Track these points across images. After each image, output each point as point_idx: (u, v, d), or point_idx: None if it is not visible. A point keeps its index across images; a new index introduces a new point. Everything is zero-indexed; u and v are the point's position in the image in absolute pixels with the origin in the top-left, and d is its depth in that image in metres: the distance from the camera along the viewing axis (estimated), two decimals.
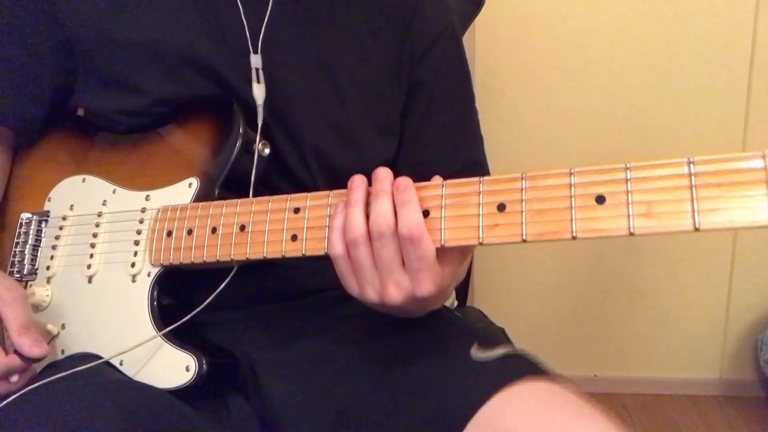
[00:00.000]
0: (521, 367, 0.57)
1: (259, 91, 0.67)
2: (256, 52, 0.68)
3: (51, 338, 0.66)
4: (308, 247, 0.55)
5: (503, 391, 0.53)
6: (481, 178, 0.50)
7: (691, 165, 0.43)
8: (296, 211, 0.57)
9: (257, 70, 0.67)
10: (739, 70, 1.38)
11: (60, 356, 0.65)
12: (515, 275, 1.57)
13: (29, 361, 0.57)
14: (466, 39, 1.43)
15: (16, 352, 0.57)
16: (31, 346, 0.57)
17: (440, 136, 0.78)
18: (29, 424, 0.49)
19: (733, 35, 1.36)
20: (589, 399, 0.52)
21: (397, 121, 0.76)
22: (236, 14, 0.68)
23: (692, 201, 0.42)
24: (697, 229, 0.42)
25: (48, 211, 0.72)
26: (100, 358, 0.62)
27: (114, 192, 0.69)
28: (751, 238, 1.47)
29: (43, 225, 0.72)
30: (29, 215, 0.72)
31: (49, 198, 0.73)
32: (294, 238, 0.56)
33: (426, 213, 0.51)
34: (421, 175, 0.55)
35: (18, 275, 0.70)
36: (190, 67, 0.68)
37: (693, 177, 0.43)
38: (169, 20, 0.68)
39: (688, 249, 1.50)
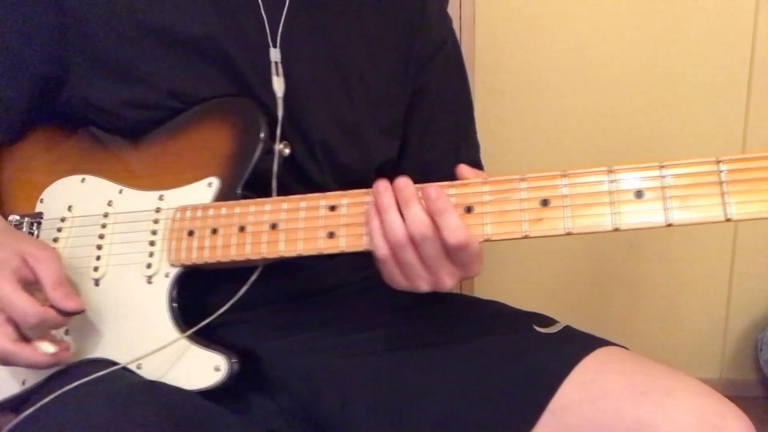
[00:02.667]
0: (591, 337, 0.61)
1: (278, 85, 0.67)
2: (275, 46, 0.67)
3: None
4: (348, 243, 0.57)
5: (590, 355, 0.57)
6: (524, 176, 0.53)
7: (720, 163, 0.48)
8: (332, 208, 0.58)
9: (276, 63, 0.67)
10: (739, 70, 1.38)
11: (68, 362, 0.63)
12: (515, 275, 1.57)
13: (64, 314, 0.58)
14: (466, 39, 1.43)
15: (51, 307, 0.57)
16: (65, 299, 0.57)
17: (443, 139, 0.82)
18: (66, 428, 0.48)
19: (733, 35, 1.36)
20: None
21: (401, 122, 0.78)
22: (255, 8, 0.67)
23: (722, 195, 0.48)
24: (728, 220, 0.47)
25: (41, 213, 0.70)
26: (111, 362, 0.61)
27: (121, 192, 0.67)
28: (751, 238, 1.47)
29: (35, 227, 0.69)
30: (17, 217, 0.69)
31: (41, 199, 0.70)
32: (331, 235, 0.57)
33: (469, 209, 0.53)
34: (425, 174, 0.57)
35: None
36: (206, 59, 0.67)
37: (722, 174, 0.48)
38: (183, 9, 0.66)
39: (688, 249, 1.50)
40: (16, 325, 0.56)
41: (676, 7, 1.37)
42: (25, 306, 0.55)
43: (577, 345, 0.59)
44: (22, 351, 0.56)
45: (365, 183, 0.58)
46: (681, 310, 1.54)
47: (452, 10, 1.40)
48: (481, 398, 0.58)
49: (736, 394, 1.52)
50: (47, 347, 0.58)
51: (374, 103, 0.75)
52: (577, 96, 1.44)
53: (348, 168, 0.73)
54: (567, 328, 0.63)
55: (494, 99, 1.47)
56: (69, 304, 0.58)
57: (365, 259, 0.80)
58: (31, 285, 0.58)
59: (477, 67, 1.45)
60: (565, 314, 1.63)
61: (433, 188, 0.52)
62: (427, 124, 0.80)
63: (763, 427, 1.37)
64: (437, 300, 0.74)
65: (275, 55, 0.67)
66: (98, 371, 0.58)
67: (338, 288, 0.76)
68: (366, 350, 0.66)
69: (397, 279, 0.56)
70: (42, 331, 0.58)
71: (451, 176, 0.57)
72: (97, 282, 0.65)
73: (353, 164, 0.74)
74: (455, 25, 1.41)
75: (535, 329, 0.63)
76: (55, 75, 0.69)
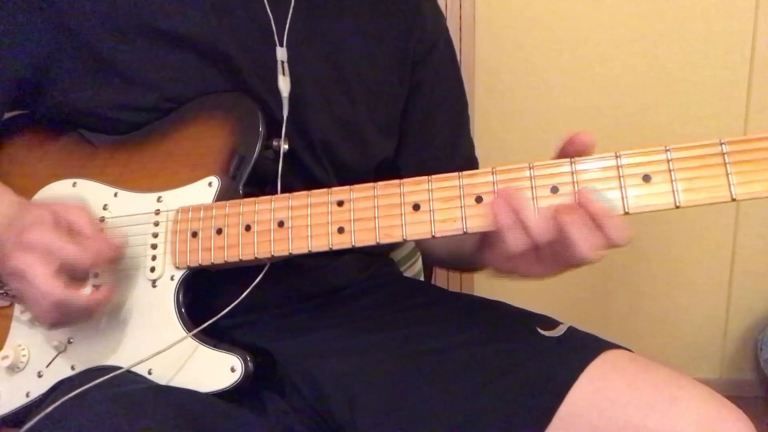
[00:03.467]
0: (595, 340, 0.61)
1: (284, 84, 0.66)
2: (282, 45, 0.67)
3: (56, 354, 0.63)
4: (358, 238, 0.56)
5: (595, 361, 0.57)
6: (531, 164, 0.53)
7: (723, 145, 0.49)
8: (340, 204, 0.57)
9: (282, 62, 0.67)
10: (739, 70, 1.38)
11: (71, 372, 0.62)
12: None
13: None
14: (466, 39, 1.43)
15: None
16: (108, 243, 0.57)
17: (440, 135, 0.82)
18: (83, 430, 0.47)
19: (733, 35, 1.36)
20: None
21: (398, 120, 0.78)
22: (259, 8, 0.67)
23: (727, 175, 0.48)
24: (733, 199, 0.48)
25: None
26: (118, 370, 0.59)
27: (116, 195, 0.66)
28: (751, 238, 1.47)
29: None
30: None
31: None
32: (341, 230, 0.57)
33: (479, 199, 0.53)
34: (422, 172, 0.56)
35: (2, 291, 0.65)
36: (206, 60, 0.66)
37: (726, 156, 0.49)
38: (183, 11, 0.65)
39: (688, 249, 1.50)
40: (65, 274, 0.55)
41: (676, 7, 1.37)
42: (77, 250, 0.55)
43: (582, 350, 0.59)
44: (75, 295, 0.55)
45: (366, 181, 0.57)
46: (681, 310, 1.54)
47: (452, 10, 1.40)
48: (489, 407, 0.57)
49: (736, 394, 1.52)
50: (86, 289, 0.57)
51: (373, 102, 0.75)
52: (577, 96, 1.44)
53: (349, 167, 0.73)
54: (570, 330, 0.63)
55: (494, 99, 1.47)
56: (114, 244, 0.58)
57: (371, 257, 0.81)
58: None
59: (477, 67, 1.44)
60: (566, 314, 1.63)
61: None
62: (423, 121, 0.80)
63: (763, 427, 1.37)
64: (443, 300, 0.74)
65: (282, 54, 0.67)
66: (117, 372, 0.57)
67: (347, 287, 0.76)
68: (374, 355, 0.65)
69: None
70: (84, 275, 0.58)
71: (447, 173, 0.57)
72: (98, 288, 0.63)
73: (354, 163, 0.74)
74: (455, 25, 1.41)
75: (539, 333, 0.62)
76: (32, 80, 0.67)
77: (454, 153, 0.82)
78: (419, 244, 0.92)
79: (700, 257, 1.50)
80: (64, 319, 0.56)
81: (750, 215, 1.46)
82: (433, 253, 0.87)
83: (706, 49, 1.38)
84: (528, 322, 0.65)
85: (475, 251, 0.59)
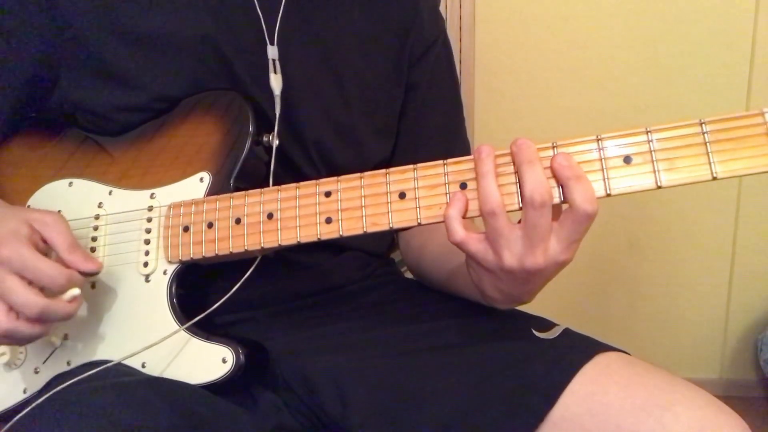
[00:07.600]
0: (590, 342, 0.61)
1: (276, 82, 0.67)
2: (273, 44, 0.68)
3: (52, 350, 0.64)
4: (345, 227, 0.57)
5: (589, 363, 0.56)
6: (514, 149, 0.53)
7: (704, 125, 0.50)
8: (327, 194, 0.58)
9: (274, 61, 0.67)
10: (739, 70, 1.38)
11: (67, 368, 0.63)
12: None
13: (86, 276, 0.58)
14: (466, 39, 1.43)
15: None
16: (84, 262, 0.57)
17: (435, 138, 0.82)
18: (78, 419, 0.47)
19: (733, 35, 1.36)
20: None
21: (395, 122, 0.78)
22: (250, 8, 0.67)
23: (708, 154, 0.49)
24: (714, 178, 0.49)
25: None
26: (116, 363, 0.60)
27: (110, 193, 0.67)
28: (751, 237, 1.47)
29: None
30: None
31: (29, 206, 0.69)
32: (328, 221, 0.58)
33: (464, 186, 0.54)
34: None
35: None
36: (201, 61, 0.67)
37: (706, 135, 0.49)
38: (178, 12, 0.66)
39: (688, 249, 1.50)
40: (39, 288, 0.55)
41: (676, 7, 1.37)
42: (52, 270, 0.55)
43: (576, 352, 0.58)
44: (56, 303, 0.55)
45: None
46: (681, 310, 1.54)
47: (452, 10, 1.40)
48: (480, 407, 0.57)
49: (736, 394, 1.52)
50: (72, 291, 0.57)
51: (369, 104, 0.75)
52: (577, 96, 1.44)
53: (343, 169, 0.73)
54: (566, 332, 0.62)
55: (494, 99, 1.47)
56: (89, 266, 0.58)
57: (369, 256, 0.81)
58: (44, 252, 0.57)
59: (477, 67, 1.44)
60: (565, 314, 1.63)
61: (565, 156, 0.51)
62: (418, 122, 0.80)
63: (763, 427, 1.37)
64: (440, 300, 0.74)
65: (273, 52, 0.68)
66: (110, 363, 0.58)
67: (344, 286, 0.76)
68: (367, 351, 0.65)
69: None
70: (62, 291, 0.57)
71: None
72: (92, 285, 0.65)
73: (348, 165, 0.74)
74: (455, 25, 1.41)
75: (534, 334, 0.62)
76: (43, 79, 0.68)
77: (449, 155, 0.81)
78: (413, 268, 0.87)
79: (700, 257, 1.50)
80: (46, 324, 0.57)
81: (750, 215, 1.46)
82: (429, 278, 0.81)
83: (706, 49, 1.38)
84: (523, 323, 0.64)
85: (465, 272, 0.58)
